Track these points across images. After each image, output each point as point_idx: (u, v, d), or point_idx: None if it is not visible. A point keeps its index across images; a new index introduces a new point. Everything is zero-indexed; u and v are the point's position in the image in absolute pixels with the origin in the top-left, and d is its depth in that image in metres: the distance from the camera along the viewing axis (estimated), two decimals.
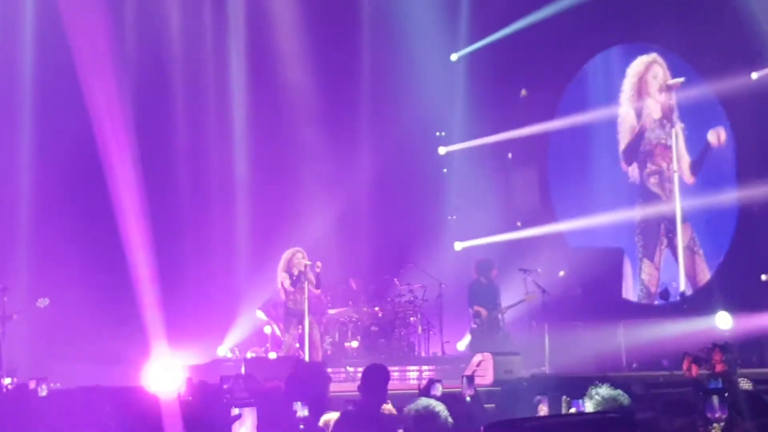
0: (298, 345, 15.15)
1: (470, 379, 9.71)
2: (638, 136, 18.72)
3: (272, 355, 15.62)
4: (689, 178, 18.17)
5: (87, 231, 16.95)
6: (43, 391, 9.90)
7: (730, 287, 16.69)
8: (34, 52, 17.61)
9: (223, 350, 16.87)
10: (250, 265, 18.35)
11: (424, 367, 15.94)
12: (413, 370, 15.92)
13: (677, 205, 17.86)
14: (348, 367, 15.56)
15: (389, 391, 8.14)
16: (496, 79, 19.83)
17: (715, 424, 6.19)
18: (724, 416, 6.21)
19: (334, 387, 10.46)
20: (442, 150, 20.30)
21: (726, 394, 6.33)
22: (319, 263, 15.05)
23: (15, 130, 17.54)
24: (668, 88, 18.26)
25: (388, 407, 8.07)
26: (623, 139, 18.95)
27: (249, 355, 16.13)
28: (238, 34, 19.54)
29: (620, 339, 15.32)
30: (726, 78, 17.08)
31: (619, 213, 18.43)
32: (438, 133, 20.37)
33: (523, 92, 19.65)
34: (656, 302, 18.12)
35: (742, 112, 17.20)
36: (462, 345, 17.09)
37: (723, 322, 15.18)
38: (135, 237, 15.68)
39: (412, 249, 18.61)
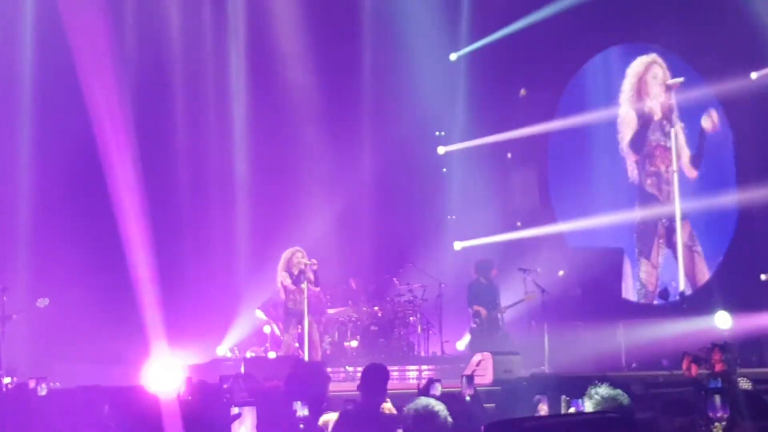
0: (297, 345, 15.15)
1: (470, 378, 9.72)
2: (643, 128, 18.72)
3: (272, 355, 15.62)
4: (691, 173, 18.18)
5: (87, 231, 16.95)
6: (42, 391, 9.91)
7: (730, 287, 16.70)
8: (34, 51, 17.62)
9: (223, 350, 16.88)
10: (250, 264, 18.36)
11: (424, 367, 15.94)
12: (413, 370, 15.92)
13: (677, 205, 17.86)
14: (347, 367, 15.56)
15: (389, 391, 8.15)
16: (496, 78, 19.83)
17: (716, 424, 6.19)
18: (725, 416, 6.21)
19: (333, 386, 10.46)
20: (441, 150, 20.29)
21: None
22: (314, 261, 15.05)
23: (15, 130, 17.54)
24: (668, 88, 18.26)
25: (388, 406, 8.08)
26: (626, 135, 18.95)
27: (248, 354, 16.13)
28: (238, 34, 19.55)
29: (620, 339, 15.32)
30: (725, 78, 17.09)
31: (617, 213, 18.44)
32: (437, 133, 20.37)
33: (523, 92, 19.64)
34: (655, 302, 18.13)
35: (742, 112, 17.21)
36: (461, 345, 17.09)
37: (722, 321, 15.18)
38: (135, 237, 15.68)
39: (412, 249, 18.61)
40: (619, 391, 6.02)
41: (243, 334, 17.10)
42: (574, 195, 19.39)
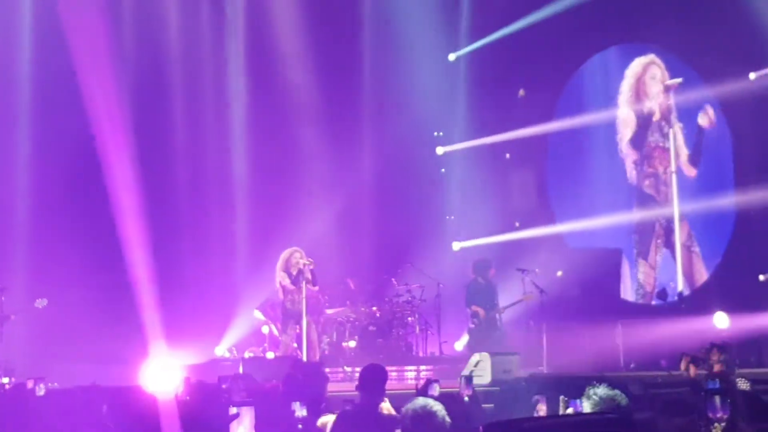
0: (295, 345, 15.14)
1: (469, 379, 9.73)
2: (641, 129, 18.73)
3: (270, 355, 15.61)
4: (690, 171, 18.20)
5: (85, 231, 16.93)
6: (40, 391, 9.90)
7: (728, 287, 16.72)
8: (32, 51, 17.60)
9: (221, 350, 16.87)
10: (248, 264, 18.34)
11: (422, 367, 15.93)
12: (411, 370, 15.92)
13: (675, 206, 17.87)
14: (345, 367, 15.55)
15: (387, 391, 8.15)
16: (494, 79, 19.83)
17: (716, 424, 6.19)
18: (725, 416, 6.22)
19: (331, 387, 10.47)
20: (440, 150, 20.29)
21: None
22: (311, 260, 15.04)
23: (14, 130, 17.53)
24: (666, 89, 18.27)
25: (386, 406, 8.08)
26: (625, 136, 18.96)
27: (247, 355, 16.12)
28: (237, 34, 19.53)
29: (618, 339, 15.32)
30: (724, 78, 17.11)
31: (616, 214, 18.46)
32: (436, 133, 20.37)
33: (521, 92, 19.64)
34: (654, 302, 18.14)
35: (741, 112, 17.22)
36: (460, 345, 17.10)
37: (721, 322, 15.19)
38: (133, 237, 15.67)
39: (410, 249, 18.61)
40: (617, 391, 6.02)
41: (241, 334, 17.09)
42: (572, 195, 19.40)
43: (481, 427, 4.67)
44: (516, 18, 18.87)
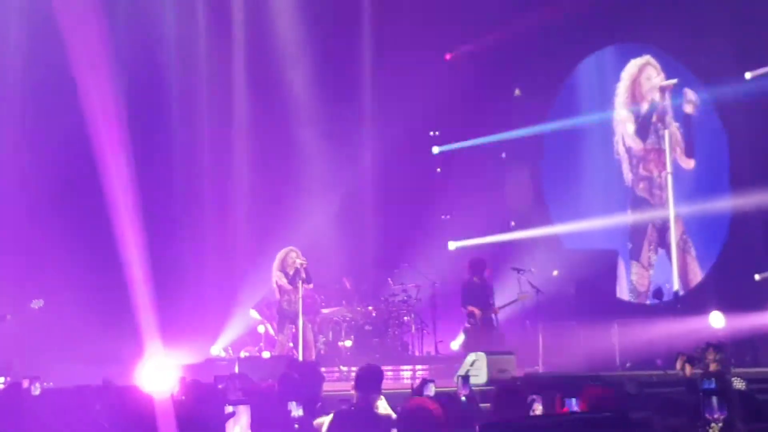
0: (291, 344, 15.14)
1: (466, 378, 9.73)
2: (637, 131, 18.75)
3: (266, 355, 15.61)
4: (687, 164, 18.23)
5: (81, 231, 16.92)
6: (36, 390, 9.89)
7: (724, 287, 16.74)
8: (27, 51, 17.57)
9: (217, 350, 16.86)
10: (244, 264, 18.34)
11: (418, 367, 15.96)
12: (407, 370, 15.93)
13: (671, 207, 17.89)
14: (341, 367, 15.57)
15: (383, 391, 8.15)
16: (491, 78, 19.84)
17: (713, 424, 6.20)
18: (722, 417, 6.22)
19: (327, 386, 10.45)
20: (435, 149, 20.30)
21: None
22: (304, 259, 15.03)
23: (8, 130, 17.49)
24: (662, 90, 18.29)
25: (382, 404, 8.08)
26: (621, 138, 18.98)
27: (243, 354, 16.12)
28: (235, 33, 19.53)
29: (614, 338, 15.33)
30: (720, 79, 17.14)
31: (611, 214, 18.51)
32: (432, 133, 20.38)
33: (517, 92, 19.66)
34: (649, 302, 18.16)
35: (736, 112, 17.23)
36: (456, 344, 17.08)
37: (716, 321, 15.21)
38: (129, 237, 15.65)
39: (406, 248, 18.63)
40: None
41: (237, 333, 17.09)
42: (568, 195, 19.43)
43: (477, 426, 4.67)
44: (512, 17, 18.88)
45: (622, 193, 19.00)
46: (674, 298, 17.32)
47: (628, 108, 18.85)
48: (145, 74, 18.32)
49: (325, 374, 10.46)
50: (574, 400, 6.92)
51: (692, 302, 16.76)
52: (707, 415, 6.20)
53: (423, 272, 17.62)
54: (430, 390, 8.66)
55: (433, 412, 5.93)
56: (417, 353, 17.26)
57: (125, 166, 16.14)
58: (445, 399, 7.56)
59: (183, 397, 8.42)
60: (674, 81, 18.08)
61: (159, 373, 12.62)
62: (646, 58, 18.70)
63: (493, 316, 16.46)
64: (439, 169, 20.53)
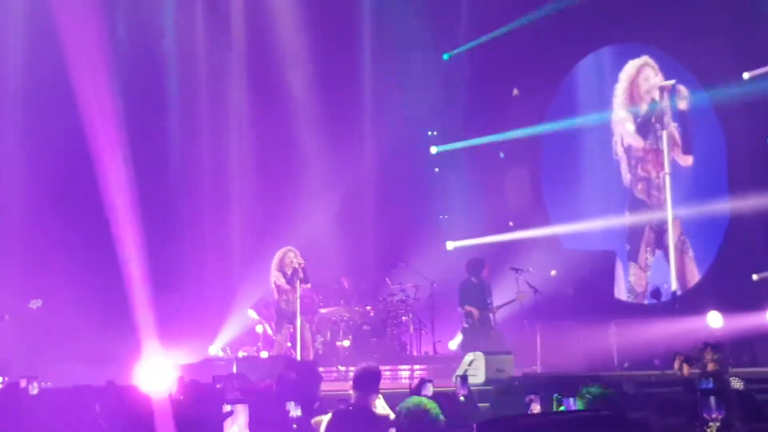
0: (289, 344, 15.14)
1: (464, 378, 9.74)
2: (636, 131, 18.75)
3: (264, 355, 15.61)
4: (686, 161, 18.24)
5: (79, 231, 16.90)
6: (34, 390, 9.89)
7: (721, 287, 16.75)
8: (25, 50, 17.56)
9: (215, 349, 16.85)
10: (243, 264, 18.34)
11: (416, 367, 15.95)
12: (405, 370, 15.93)
13: (668, 208, 17.90)
14: (339, 367, 15.57)
15: (381, 391, 8.16)
16: (489, 78, 19.84)
17: (711, 424, 6.20)
18: (720, 416, 6.22)
19: (325, 386, 10.46)
20: (434, 149, 20.30)
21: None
22: (301, 259, 15.03)
23: (6, 130, 17.48)
24: (660, 90, 18.29)
25: (381, 403, 8.09)
26: (620, 139, 18.99)
27: (240, 354, 16.12)
28: (234, 31, 19.51)
29: (612, 338, 15.33)
30: (718, 79, 17.14)
31: (609, 215, 18.52)
32: (430, 133, 20.38)
33: (515, 91, 19.66)
34: (647, 302, 18.17)
35: (735, 112, 17.24)
36: (454, 344, 17.10)
37: (714, 321, 15.22)
38: (127, 236, 15.65)
39: (404, 248, 18.62)
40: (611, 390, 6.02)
41: (235, 333, 17.08)
42: (566, 195, 19.43)
43: (475, 425, 4.67)
44: (510, 17, 18.88)
45: (621, 194, 19.00)
46: (672, 298, 17.33)
47: (626, 109, 18.86)
48: (144, 74, 18.30)
49: (323, 374, 10.46)
50: (572, 400, 6.94)
51: (690, 302, 16.76)
52: (705, 415, 6.20)
53: (421, 272, 17.62)
54: (428, 390, 8.67)
55: (432, 412, 5.93)
56: (415, 353, 17.26)
57: (124, 166, 16.15)
58: (444, 399, 7.56)
59: (181, 397, 8.43)
60: (672, 81, 18.08)
61: (157, 372, 12.64)
62: (644, 58, 18.70)
63: (491, 316, 16.47)
64: (437, 169, 20.52)
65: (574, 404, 6.96)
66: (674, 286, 17.61)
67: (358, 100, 19.88)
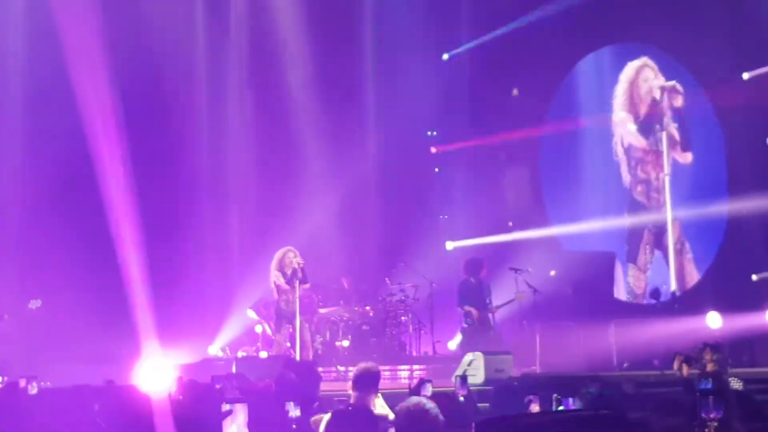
0: (289, 344, 15.13)
1: (464, 379, 9.75)
2: (636, 133, 18.76)
3: (263, 355, 15.60)
4: (685, 158, 18.25)
5: (78, 231, 16.89)
6: (33, 389, 9.89)
7: (721, 287, 16.75)
8: (25, 50, 17.55)
9: (214, 349, 16.85)
10: (242, 264, 18.34)
11: (415, 367, 15.95)
12: (404, 370, 15.93)
13: (668, 209, 17.91)
14: (339, 367, 15.56)
15: (380, 391, 8.16)
16: (488, 78, 19.84)
17: (709, 424, 6.20)
18: (719, 416, 6.22)
19: (325, 386, 10.47)
20: (433, 149, 20.30)
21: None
22: (301, 258, 15.03)
23: (5, 130, 17.47)
24: (662, 91, 18.29)
25: (380, 402, 8.09)
26: (620, 140, 19.00)
27: (240, 354, 16.11)
28: (234, 31, 19.51)
29: (611, 339, 15.33)
30: (718, 79, 17.15)
31: (609, 216, 18.54)
32: (429, 133, 20.38)
33: (515, 92, 19.66)
34: (645, 302, 18.18)
35: (734, 112, 17.24)
36: (453, 344, 17.09)
37: (713, 321, 15.22)
38: (126, 236, 15.65)
39: (404, 248, 18.62)
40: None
41: (234, 333, 17.07)
42: (566, 195, 19.43)
43: (474, 424, 4.67)
44: (510, 17, 18.88)
45: (620, 195, 19.01)
46: (671, 299, 17.34)
47: (626, 110, 18.85)
48: (144, 74, 18.28)
49: (322, 374, 10.47)
50: (571, 400, 6.94)
51: (689, 302, 16.76)
52: (703, 415, 6.21)
53: (421, 272, 17.61)
54: (428, 390, 8.68)
55: (431, 412, 5.93)
56: (414, 353, 17.25)
57: (123, 166, 16.14)
58: (443, 399, 7.57)
59: (180, 397, 8.42)
60: (672, 83, 18.08)
61: (156, 372, 12.64)
62: (644, 59, 18.70)
63: (490, 316, 16.47)
64: (437, 169, 20.52)
65: (574, 404, 6.97)
66: (673, 287, 17.63)
67: (357, 100, 19.87)
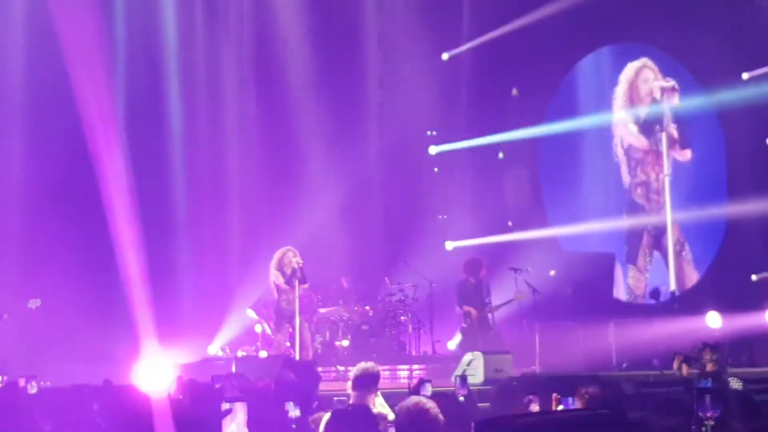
0: (288, 344, 15.13)
1: (464, 378, 9.74)
2: (636, 133, 18.76)
3: (263, 354, 15.61)
4: (684, 156, 18.25)
5: (78, 230, 16.90)
6: (32, 389, 9.88)
7: (720, 287, 16.76)
8: (25, 50, 17.55)
9: (214, 349, 16.85)
10: (242, 263, 18.33)
11: (415, 366, 15.95)
12: (404, 370, 15.93)
13: (668, 210, 17.91)
14: (338, 366, 15.56)
15: (380, 390, 8.16)
16: (488, 78, 19.84)
17: (706, 423, 6.20)
18: (715, 415, 6.23)
19: (324, 386, 10.47)
20: (433, 149, 20.30)
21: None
22: (301, 258, 15.03)
23: (5, 130, 17.47)
24: (662, 91, 18.28)
25: (379, 401, 8.09)
26: (620, 141, 19.00)
27: (239, 353, 16.12)
28: (234, 29, 19.52)
29: (611, 338, 15.34)
30: (718, 78, 17.15)
31: (608, 216, 18.55)
32: (429, 133, 20.38)
33: (515, 91, 19.66)
34: (644, 301, 18.18)
35: (734, 112, 17.25)
36: (452, 344, 17.10)
37: (713, 321, 15.22)
38: (125, 235, 15.64)
39: (403, 248, 18.63)
40: None
41: (234, 333, 17.08)
42: (566, 195, 19.44)
43: (473, 424, 4.67)
44: (510, 17, 18.88)
45: (620, 196, 19.01)
46: (671, 299, 17.35)
47: (626, 111, 18.86)
48: (144, 74, 18.29)
49: (321, 374, 10.47)
50: (571, 399, 6.94)
51: (689, 302, 16.77)
52: (700, 413, 6.21)
53: (420, 272, 17.62)
54: (427, 390, 8.66)
55: (431, 411, 5.93)
56: (414, 353, 17.26)
57: (122, 165, 16.13)
58: (443, 399, 7.56)
59: (180, 397, 8.42)
60: (672, 83, 18.08)
61: (156, 372, 12.61)
62: (643, 60, 18.71)
63: (489, 315, 16.48)
64: (436, 169, 20.52)
65: (573, 404, 6.97)
66: (673, 286, 17.63)
67: (357, 100, 19.87)
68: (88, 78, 16.00)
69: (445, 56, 20.19)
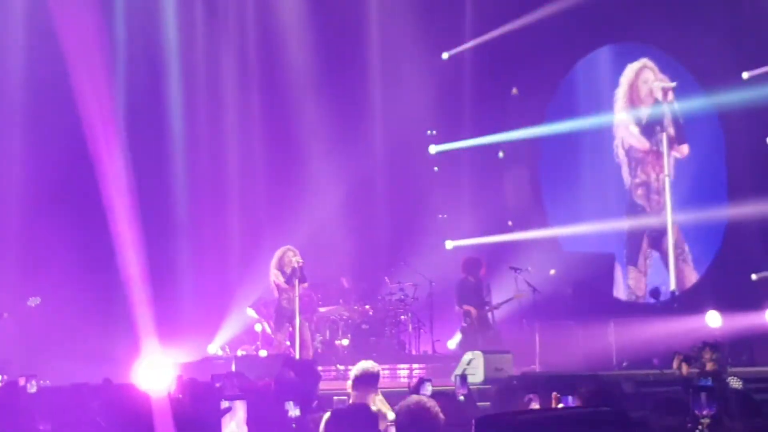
0: (289, 343, 15.13)
1: (464, 378, 9.75)
2: (637, 134, 18.76)
3: (263, 353, 15.61)
4: (682, 152, 18.26)
5: (78, 229, 16.90)
6: (32, 388, 9.89)
7: (720, 286, 16.77)
8: (25, 50, 17.55)
9: (214, 348, 16.85)
10: (242, 262, 18.33)
11: (415, 366, 15.95)
12: (404, 369, 15.93)
13: (668, 211, 17.91)
14: (338, 366, 15.56)
15: (380, 389, 8.16)
16: (488, 77, 19.84)
17: (702, 421, 6.21)
18: (711, 413, 6.23)
19: (324, 385, 10.47)
20: (433, 149, 20.30)
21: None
22: (301, 258, 15.03)
23: (5, 129, 17.47)
24: (663, 92, 18.29)
25: (379, 398, 8.09)
26: (621, 142, 19.00)
27: (239, 353, 16.12)
28: (234, 29, 19.51)
29: (611, 338, 15.34)
30: (718, 78, 17.16)
31: (609, 216, 18.55)
32: (429, 132, 20.38)
33: (515, 91, 19.66)
34: (644, 301, 18.19)
35: (734, 112, 17.25)
36: (452, 343, 17.10)
37: (713, 320, 15.23)
38: (126, 234, 15.64)
39: (403, 247, 18.63)
40: None
41: (234, 332, 17.08)
42: (566, 195, 19.44)
43: (474, 421, 4.67)
44: (510, 17, 18.88)
45: (620, 196, 19.02)
46: (671, 298, 17.35)
47: (627, 112, 18.86)
48: (144, 74, 18.30)
49: (321, 373, 10.47)
50: (570, 398, 6.94)
51: (689, 302, 16.78)
52: (696, 411, 6.22)
53: (420, 271, 17.62)
54: (427, 389, 8.67)
55: (431, 410, 5.93)
56: (414, 352, 17.26)
57: (122, 165, 16.14)
58: (443, 398, 7.57)
59: (180, 396, 8.42)
60: (673, 84, 18.10)
61: (156, 371, 12.61)
62: (643, 61, 18.72)
63: (489, 314, 16.48)
64: (436, 169, 20.52)
65: (573, 402, 6.97)
66: (673, 287, 17.64)
67: (357, 100, 19.86)
68: (88, 78, 16.00)
69: (445, 56, 20.19)
